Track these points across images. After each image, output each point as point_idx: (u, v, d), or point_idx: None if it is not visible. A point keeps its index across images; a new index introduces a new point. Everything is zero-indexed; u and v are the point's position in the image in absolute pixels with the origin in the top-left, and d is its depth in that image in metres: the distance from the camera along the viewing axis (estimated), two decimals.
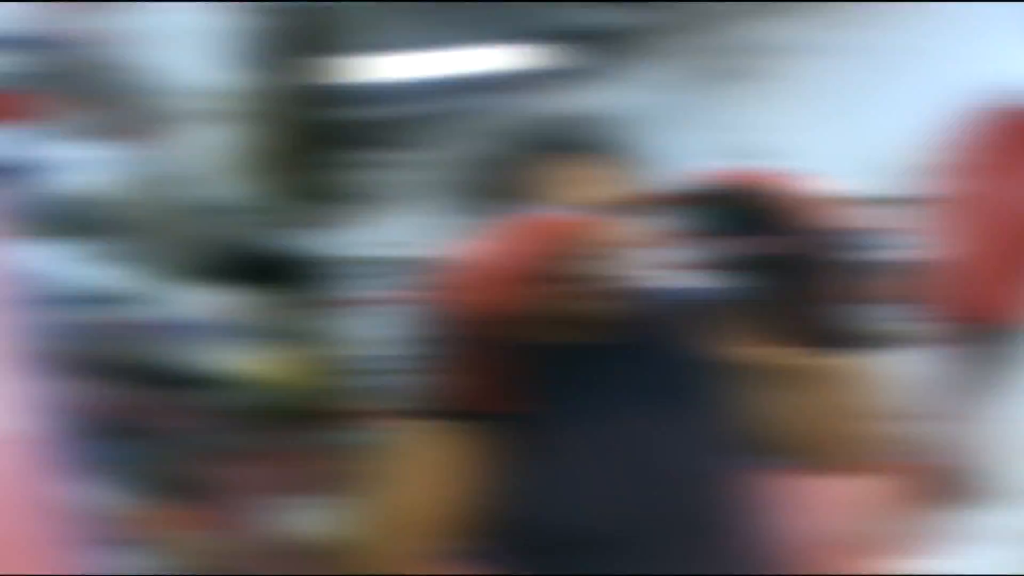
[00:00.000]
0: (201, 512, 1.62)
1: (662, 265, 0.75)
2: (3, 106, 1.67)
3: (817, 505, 1.03)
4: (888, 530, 1.76)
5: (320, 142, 2.57)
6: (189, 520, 1.52)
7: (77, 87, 2.05)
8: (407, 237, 2.29)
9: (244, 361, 1.99)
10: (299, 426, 2.02)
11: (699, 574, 0.69)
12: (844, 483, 1.23)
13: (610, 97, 3.07)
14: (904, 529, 1.80)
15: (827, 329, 0.69)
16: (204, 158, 2.84)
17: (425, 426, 0.69)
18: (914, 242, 2.03)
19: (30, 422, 1.55)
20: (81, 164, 2.17)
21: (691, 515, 0.71)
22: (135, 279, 2.59)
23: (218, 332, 2.02)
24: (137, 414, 1.69)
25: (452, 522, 0.72)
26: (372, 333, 2.49)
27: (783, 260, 0.67)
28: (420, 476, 0.70)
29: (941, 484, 1.89)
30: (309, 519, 1.88)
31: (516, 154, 0.76)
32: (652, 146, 0.81)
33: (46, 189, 2.88)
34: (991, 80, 1.96)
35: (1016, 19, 2.02)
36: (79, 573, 1.20)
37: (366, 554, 0.73)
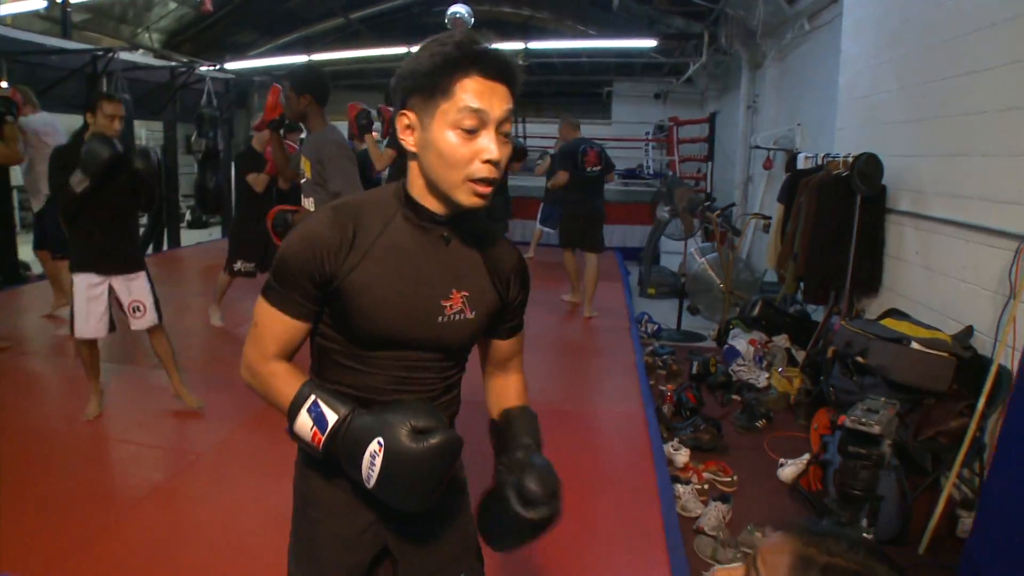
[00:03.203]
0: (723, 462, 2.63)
1: None
2: None
3: None
4: None
5: None
6: (716, 468, 2.46)
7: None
8: None
9: (767, 376, 3.12)
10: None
11: None
12: None
13: None
14: None
15: None
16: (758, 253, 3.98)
17: None
18: None
19: (639, 407, 2.89)
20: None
21: None
22: (708, 324, 3.91)
23: (754, 358, 3.21)
24: (697, 404, 2.97)
25: None
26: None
27: None
28: None
29: None
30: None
31: None
32: None
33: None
34: None
35: None
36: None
37: None
